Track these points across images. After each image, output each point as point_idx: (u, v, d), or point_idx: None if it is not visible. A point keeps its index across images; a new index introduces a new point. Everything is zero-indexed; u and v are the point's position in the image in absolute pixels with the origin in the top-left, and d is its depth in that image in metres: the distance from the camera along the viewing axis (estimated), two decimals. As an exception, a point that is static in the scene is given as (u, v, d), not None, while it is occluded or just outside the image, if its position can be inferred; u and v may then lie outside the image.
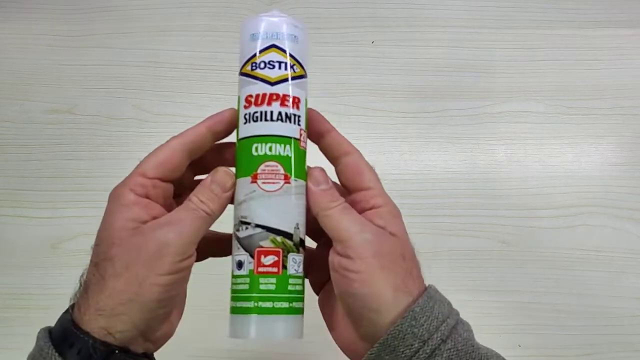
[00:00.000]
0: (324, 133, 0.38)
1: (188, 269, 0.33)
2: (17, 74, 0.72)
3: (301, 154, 0.37)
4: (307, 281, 0.40)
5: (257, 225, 0.35)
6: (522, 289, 0.65)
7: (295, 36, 0.37)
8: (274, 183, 0.35)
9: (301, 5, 0.73)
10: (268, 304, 0.34)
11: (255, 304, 0.34)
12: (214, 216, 0.35)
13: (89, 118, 0.70)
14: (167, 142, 0.36)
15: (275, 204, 0.35)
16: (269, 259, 0.35)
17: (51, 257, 0.67)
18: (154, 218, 0.34)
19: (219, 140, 0.38)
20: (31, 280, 0.66)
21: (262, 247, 0.35)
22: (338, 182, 0.39)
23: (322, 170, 0.37)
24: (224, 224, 0.38)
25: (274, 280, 0.35)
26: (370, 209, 0.36)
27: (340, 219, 0.35)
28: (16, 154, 0.70)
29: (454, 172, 0.68)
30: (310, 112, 0.38)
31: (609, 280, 0.65)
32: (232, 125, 0.37)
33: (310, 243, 0.39)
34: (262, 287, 0.35)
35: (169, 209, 0.35)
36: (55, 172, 0.69)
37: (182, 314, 0.37)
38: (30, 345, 0.33)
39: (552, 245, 0.66)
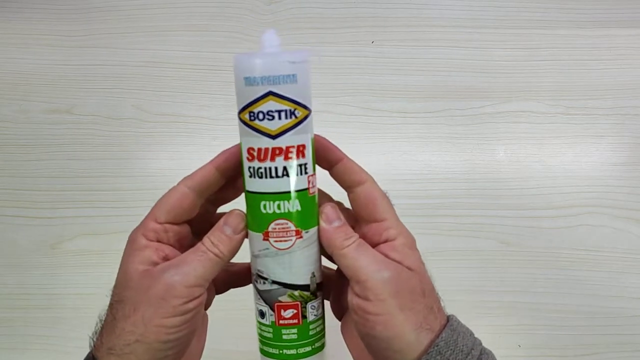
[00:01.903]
0: (335, 161, 0.37)
1: (193, 310, 0.34)
2: (17, 74, 0.72)
3: (311, 201, 0.35)
4: (327, 303, 0.40)
5: (274, 282, 0.36)
6: (522, 289, 0.65)
7: (293, 75, 0.33)
8: (285, 241, 0.35)
9: (301, 5, 0.73)
10: (292, 352, 0.36)
11: (280, 351, 0.36)
12: (224, 258, 0.35)
13: (88, 118, 0.70)
14: (178, 184, 0.36)
15: (289, 261, 0.35)
16: (288, 312, 0.36)
17: (51, 257, 0.67)
18: (165, 259, 0.35)
19: (228, 176, 0.37)
20: (31, 280, 0.66)
21: (280, 302, 0.36)
22: (350, 207, 0.38)
23: (334, 206, 0.37)
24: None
25: (295, 330, 0.36)
26: (385, 241, 0.36)
27: (356, 258, 0.34)
28: (16, 154, 0.70)
29: (454, 172, 0.68)
30: (319, 141, 0.36)
31: (609, 280, 0.65)
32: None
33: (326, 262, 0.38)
34: (284, 337, 0.36)
35: (186, 248, 0.35)
36: (55, 172, 0.69)
37: (201, 353, 0.38)
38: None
39: (552, 245, 0.66)
